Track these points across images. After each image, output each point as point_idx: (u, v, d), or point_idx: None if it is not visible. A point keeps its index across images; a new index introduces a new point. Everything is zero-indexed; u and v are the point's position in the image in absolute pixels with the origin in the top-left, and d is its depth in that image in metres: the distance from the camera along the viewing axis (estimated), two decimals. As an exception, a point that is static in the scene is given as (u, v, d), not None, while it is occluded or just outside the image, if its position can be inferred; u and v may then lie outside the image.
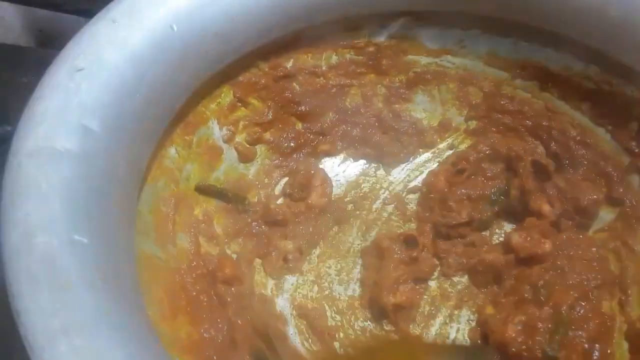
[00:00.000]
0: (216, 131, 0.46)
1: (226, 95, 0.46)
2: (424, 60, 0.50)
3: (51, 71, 0.33)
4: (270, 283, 0.46)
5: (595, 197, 0.42)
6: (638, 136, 0.43)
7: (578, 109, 0.46)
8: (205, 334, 0.36)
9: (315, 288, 0.46)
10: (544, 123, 0.47)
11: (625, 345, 0.38)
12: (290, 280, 0.46)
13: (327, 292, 0.46)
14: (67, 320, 0.24)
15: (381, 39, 0.49)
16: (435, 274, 0.46)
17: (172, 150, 0.42)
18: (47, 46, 0.62)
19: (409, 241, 0.45)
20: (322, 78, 0.50)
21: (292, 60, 0.48)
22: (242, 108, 0.47)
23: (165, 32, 0.37)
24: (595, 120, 0.46)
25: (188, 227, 0.42)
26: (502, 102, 0.49)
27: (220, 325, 0.37)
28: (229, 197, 0.45)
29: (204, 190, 0.44)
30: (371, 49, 0.50)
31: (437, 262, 0.46)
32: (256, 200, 0.47)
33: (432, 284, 0.46)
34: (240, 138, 0.47)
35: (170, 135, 0.42)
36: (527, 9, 0.43)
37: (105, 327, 0.25)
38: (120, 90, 0.35)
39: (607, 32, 0.40)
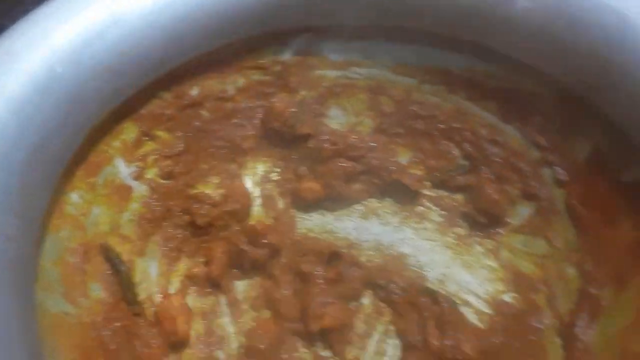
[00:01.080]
0: (123, 169, 0.43)
1: (130, 131, 0.43)
2: (331, 74, 0.50)
3: None
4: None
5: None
6: (544, 130, 0.45)
7: (485, 108, 0.47)
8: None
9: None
10: (456, 125, 0.48)
11: (558, 341, 0.38)
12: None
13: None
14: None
15: (286, 56, 0.48)
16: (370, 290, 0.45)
17: (74, 196, 0.39)
18: None
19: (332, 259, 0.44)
20: (230, 102, 0.48)
21: (196, 87, 0.46)
22: (150, 142, 0.45)
23: (49, 75, 0.35)
24: (503, 118, 0.46)
25: (101, 276, 0.39)
26: (413, 109, 0.49)
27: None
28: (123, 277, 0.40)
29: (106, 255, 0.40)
30: (277, 67, 0.49)
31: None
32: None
33: (365, 300, 0.45)
34: (151, 174, 0.45)
35: (71, 179, 0.39)
36: (424, 15, 0.44)
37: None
38: (4, 142, 0.32)
39: (500, 32, 0.41)
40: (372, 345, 0.43)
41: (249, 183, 0.49)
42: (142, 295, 0.41)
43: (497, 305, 0.41)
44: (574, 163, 0.42)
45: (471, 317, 0.42)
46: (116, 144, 0.43)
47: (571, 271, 0.40)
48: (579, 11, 0.38)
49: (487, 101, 0.47)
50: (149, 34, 0.40)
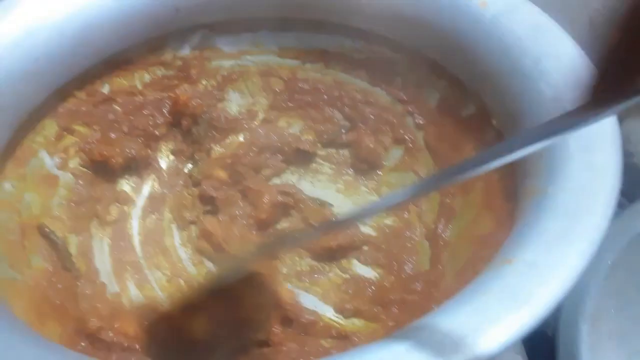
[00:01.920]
0: (47, 161, 0.49)
1: (50, 127, 0.49)
2: (226, 63, 0.57)
3: None
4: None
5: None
6: (404, 88, 0.54)
7: (357, 77, 0.56)
8: (74, 332, 0.39)
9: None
10: (336, 94, 0.57)
11: (426, 243, 0.48)
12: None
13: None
14: None
15: (185, 52, 0.56)
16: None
17: (7, 185, 0.45)
18: None
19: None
20: (140, 96, 0.55)
21: (107, 85, 0.53)
22: (70, 136, 0.51)
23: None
24: (372, 82, 0.56)
25: (40, 249, 0.44)
26: (300, 85, 0.58)
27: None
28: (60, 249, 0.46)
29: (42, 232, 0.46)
30: (179, 62, 0.56)
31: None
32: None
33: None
34: (73, 163, 0.51)
35: (2, 171, 0.44)
36: (303, 7, 0.53)
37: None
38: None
39: (361, 14, 0.51)
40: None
41: (163, 164, 0.56)
42: (78, 264, 0.46)
43: (380, 228, 0.50)
44: (428, 110, 0.52)
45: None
46: (39, 139, 0.48)
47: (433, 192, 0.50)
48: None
49: (358, 70, 0.56)
50: (60, 41, 0.46)
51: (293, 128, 0.58)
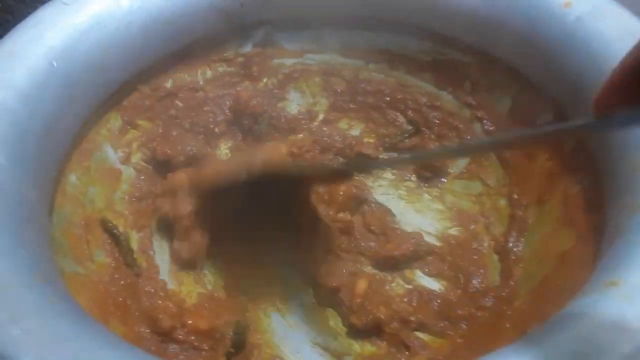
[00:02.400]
0: (111, 154, 0.49)
1: (115, 120, 0.49)
2: (288, 61, 0.56)
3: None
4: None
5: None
6: (473, 92, 0.52)
7: (423, 79, 0.55)
8: (140, 331, 0.39)
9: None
10: (399, 96, 0.55)
11: (495, 257, 0.46)
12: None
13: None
14: (13, 311, 0.27)
15: (247, 49, 0.55)
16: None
17: (72, 177, 0.45)
18: None
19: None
20: (201, 92, 0.54)
21: (170, 80, 0.52)
22: (133, 130, 0.51)
23: (47, 69, 0.40)
24: (438, 85, 0.54)
25: (102, 244, 0.44)
26: (362, 86, 0.56)
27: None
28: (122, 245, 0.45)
29: (105, 227, 0.45)
30: (240, 59, 0.55)
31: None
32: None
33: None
34: (136, 158, 0.51)
35: (69, 163, 0.44)
36: (363, 4, 0.51)
37: (52, 312, 0.28)
38: (18, 126, 0.38)
39: (437, 14, 0.49)
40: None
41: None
42: (139, 260, 0.46)
43: (444, 238, 0.48)
44: (498, 116, 0.50)
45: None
46: (104, 132, 0.48)
47: (502, 202, 0.48)
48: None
49: (424, 73, 0.55)
50: (128, 33, 0.46)
51: (354, 130, 0.56)
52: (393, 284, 0.46)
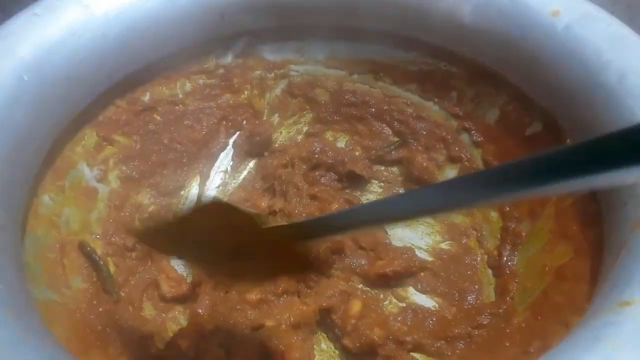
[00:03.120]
0: (87, 173, 0.46)
1: (90, 136, 0.47)
2: (270, 73, 0.55)
3: None
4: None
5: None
6: (459, 102, 0.51)
7: (409, 90, 0.54)
8: (121, 360, 0.37)
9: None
10: (385, 107, 0.54)
11: (490, 272, 0.45)
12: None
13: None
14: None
15: (227, 60, 0.53)
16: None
17: (45, 198, 0.42)
18: None
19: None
20: (180, 105, 0.52)
21: (148, 94, 0.50)
22: (109, 146, 0.48)
23: (17, 84, 0.38)
24: (424, 96, 0.53)
25: (79, 269, 0.42)
26: (346, 97, 0.55)
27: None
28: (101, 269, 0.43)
29: (83, 251, 0.43)
30: (221, 70, 0.53)
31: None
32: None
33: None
34: (113, 176, 0.48)
35: (42, 183, 0.42)
36: (348, 14, 0.50)
37: (25, 349, 0.26)
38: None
39: (413, 20, 0.48)
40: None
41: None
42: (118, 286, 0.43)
43: (436, 252, 0.47)
44: (486, 126, 0.49)
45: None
46: (79, 149, 0.46)
47: (494, 214, 0.47)
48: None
49: (409, 83, 0.53)
50: (103, 43, 0.44)
51: (339, 142, 0.55)
52: (386, 302, 0.44)
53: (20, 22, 0.39)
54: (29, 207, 0.40)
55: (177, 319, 0.44)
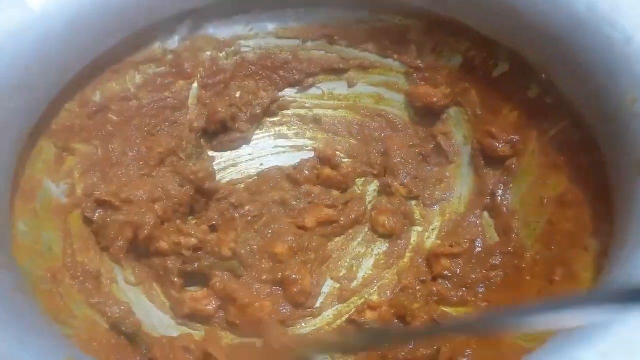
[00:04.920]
0: (54, 189, 0.42)
1: (48, 149, 0.42)
2: (221, 52, 0.52)
3: None
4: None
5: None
6: (420, 55, 0.52)
7: (366, 50, 0.53)
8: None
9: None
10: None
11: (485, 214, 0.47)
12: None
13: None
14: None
15: (175, 44, 0.50)
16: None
17: (21, 225, 0.37)
18: None
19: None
20: (135, 100, 0.48)
21: (98, 92, 0.46)
22: (70, 157, 0.44)
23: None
24: (383, 54, 0.53)
25: (78, 294, 0.38)
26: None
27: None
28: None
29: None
30: (169, 56, 0.50)
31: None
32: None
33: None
34: (81, 188, 0.44)
35: (13, 209, 0.37)
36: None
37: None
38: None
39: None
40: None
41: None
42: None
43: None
44: (450, 74, 0.50)
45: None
46: (39, 165, 0.41)
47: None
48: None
49: (366, 43, 0.53)
50: (47, 43, 0.39)
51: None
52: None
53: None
54: (10, 238, 0.35)
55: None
